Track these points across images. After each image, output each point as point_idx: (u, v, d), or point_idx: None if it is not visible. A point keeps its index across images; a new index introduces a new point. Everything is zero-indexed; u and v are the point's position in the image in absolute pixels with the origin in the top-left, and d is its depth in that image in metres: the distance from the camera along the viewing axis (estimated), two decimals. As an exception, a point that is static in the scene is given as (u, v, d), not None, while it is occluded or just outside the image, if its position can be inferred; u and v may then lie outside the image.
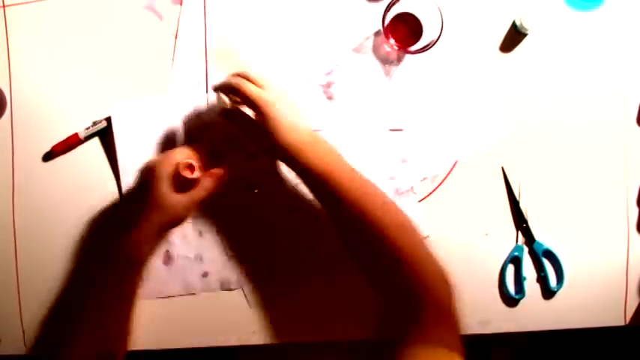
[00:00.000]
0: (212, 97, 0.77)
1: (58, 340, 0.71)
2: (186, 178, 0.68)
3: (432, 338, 0.60)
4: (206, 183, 0.70)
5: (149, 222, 0.69)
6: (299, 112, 0.68)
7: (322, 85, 0.78)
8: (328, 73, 0.78)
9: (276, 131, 0.65)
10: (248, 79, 0.67)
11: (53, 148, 0.77)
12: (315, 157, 0.66)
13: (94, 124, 0.77)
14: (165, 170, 0.69)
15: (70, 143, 0.77)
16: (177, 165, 0.68)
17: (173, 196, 0.69)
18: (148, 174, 0.71)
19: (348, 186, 0.65)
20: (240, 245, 0.77)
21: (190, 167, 0.69)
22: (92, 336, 0.70)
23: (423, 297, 0.62)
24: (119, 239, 0.70)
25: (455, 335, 0.61)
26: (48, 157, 0.77)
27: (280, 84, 0.69)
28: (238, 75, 0.68)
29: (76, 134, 0.77)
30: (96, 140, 0.77)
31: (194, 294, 0.77)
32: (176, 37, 0.77)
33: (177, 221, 0.70)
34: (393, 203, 0.68)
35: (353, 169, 0.68)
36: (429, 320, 0.61)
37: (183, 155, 0.70)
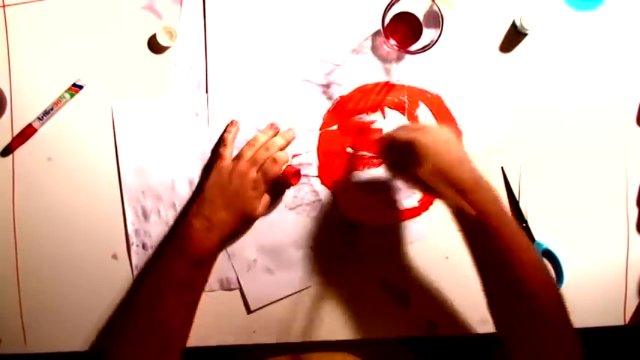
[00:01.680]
0: (212, 98, 0.77)
1: (114, 334, 0.72)
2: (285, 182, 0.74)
3: None
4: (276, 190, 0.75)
5: (234, 225, 0.72)
6: (459, 147, 0.67)
7: (322, 85, 0.78)
8: (328, 73, 0.78)
9: (434, 183, 0.64)
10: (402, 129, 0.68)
11: (12, 144, 0.77)
12: (478, 197, 0.63)
13: (45, 112, 0.77)
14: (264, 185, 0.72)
15: (28, 135, 0.77)
16: (284, 170, 0.72)
17: (260, 208, 0.73)
18: (246, 178, 0.72)
19: (502, 231, 0.62)
20: (241, 245, 0.77)
21: (297, 175, 0.73)
22: (154, 330, 0.68)
23: (550, 349, 0.61)
24: (195, 232, 0.70)
25: None
26: (6, 152, 0.77)
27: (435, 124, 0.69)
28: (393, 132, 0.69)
29: (31, 125, 0.77)
30: (97, 142, 0.78)
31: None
32: (176, 38, 0.77)
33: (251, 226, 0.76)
34: (541, 259, 0.65)
35: (507, 213, 0.65)
36: None
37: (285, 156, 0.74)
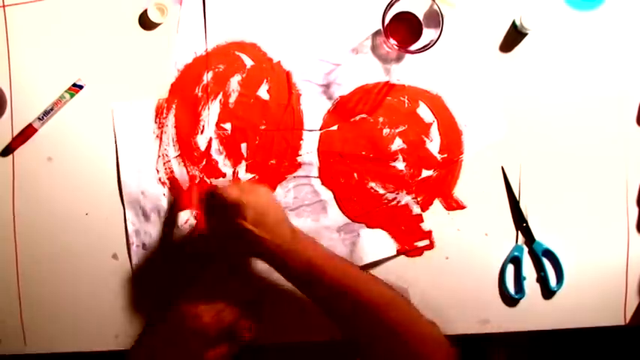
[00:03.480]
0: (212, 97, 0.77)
1: None
2: None
3: None
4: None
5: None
6: (278, 208, 0.67)
7: (322, 85, 0.78)
8: (328, 73, 0.78)
9: (258, 237, 0.64)
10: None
11: (12, 144, 0.77)
12: (297, 257, 0.65)
13: (46, 112, 0.77)
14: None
15: (28, 135, 0.77)
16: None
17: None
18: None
19: (331, 276, 0.65)
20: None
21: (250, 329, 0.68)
22: None
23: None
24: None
25: None
26: (6, 152, 0.77)
27: (256, 184, 0.70)
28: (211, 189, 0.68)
29: (31, 125, 0.77)
30: (97, 141, 0.78)
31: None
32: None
33: None
34: (379, 281, 0.68)
35: (333, 258, 0.68)
36: None
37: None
